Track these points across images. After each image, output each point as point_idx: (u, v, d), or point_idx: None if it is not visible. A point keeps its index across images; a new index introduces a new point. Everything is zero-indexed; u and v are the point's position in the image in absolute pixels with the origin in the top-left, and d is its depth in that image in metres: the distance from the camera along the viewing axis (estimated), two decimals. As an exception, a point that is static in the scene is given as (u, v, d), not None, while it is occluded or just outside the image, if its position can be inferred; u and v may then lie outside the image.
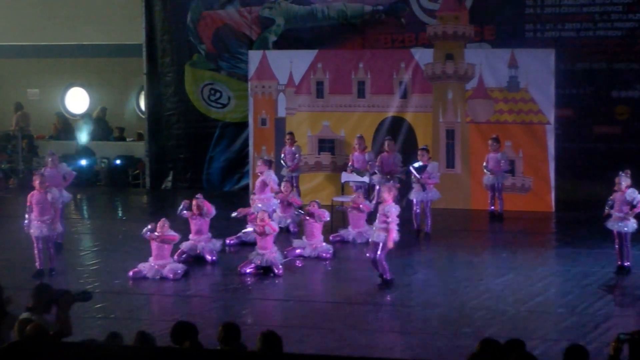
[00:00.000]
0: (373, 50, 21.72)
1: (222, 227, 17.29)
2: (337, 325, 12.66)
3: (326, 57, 21.55)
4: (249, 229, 16.69)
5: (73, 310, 8.19)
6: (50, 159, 16.97)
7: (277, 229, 15.72)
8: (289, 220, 17.96)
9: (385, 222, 14.11)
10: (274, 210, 17.67)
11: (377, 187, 18.00)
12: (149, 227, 15.18)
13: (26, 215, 15.25)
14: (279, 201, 17.83)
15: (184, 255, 15.96)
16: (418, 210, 17.94)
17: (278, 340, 7.97)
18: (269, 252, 15.25)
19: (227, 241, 17.06)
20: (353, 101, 21.31)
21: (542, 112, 20.12)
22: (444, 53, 20.74)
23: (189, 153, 23.61)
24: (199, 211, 16.17)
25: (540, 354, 8.30)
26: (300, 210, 17.14)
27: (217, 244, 16.36)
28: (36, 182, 15.25)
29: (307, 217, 16.45)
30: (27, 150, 25.17)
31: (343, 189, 19.89)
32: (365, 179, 19.06)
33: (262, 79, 21.85)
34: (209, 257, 16.11)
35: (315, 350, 11.55)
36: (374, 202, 16.90)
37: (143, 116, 24.56)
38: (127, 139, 25.49)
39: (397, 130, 20.76)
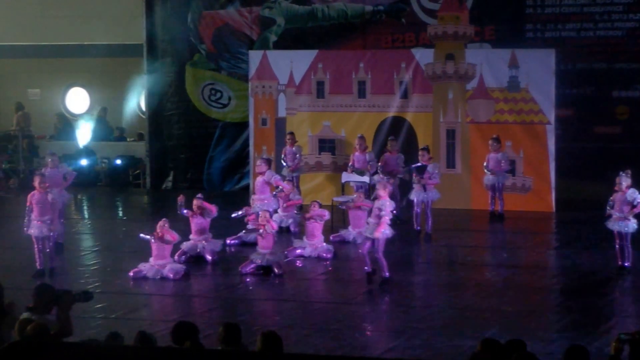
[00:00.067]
0: (374, 50, 21.73)
1: (222, 227, 17.30)
2: (337, 326, 12.66)
3: (327, 57, 21.56)
4: (250, 228, 16.69)
5: (74, 310, 8.20)
6: (50, 159, 16.97)
7: (277, 228, 15.78)
8: (290, 220, 17.98)
9: (379, 215, 14.18)
10: (275, 210, 17.70)
11: (377, 186, 18.03)
12: (148, 236, 15.22)
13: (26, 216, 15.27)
14: (281, 199, 17.87)
15: (184, 255, 15.97)
16: (419, 211, 17.94)
17: (278, 341, 7.97)
18: (270, 252, 15.26)
19: (228, 241, 17.08)
20: (353, 101, 21.31)
21: (542, 112, 20.12)
22: (445, 53, 20.74)
23: (190, 153, 23.62)
24: (200, 211, 16.18)
25: (540, 354, 8.28)
26: (299, 212, 17.16)
27: (217, 244, 16.36)
28: (36, 182, 15.26)
29: (307, 217, 16.48)
30: (27, 150, 25.19)
31: (343, 189, 19.90)
32: (366, 178, 19.06)
33: (262, 79, 21.85)
34: (209, 257, 16.11)
35: (315, 350, 11.55)
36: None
37: (144, 116, 24.58)
38: (128, 139, 25.51)
39: (397, 130, 20.76)
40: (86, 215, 22.00)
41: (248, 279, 15.13)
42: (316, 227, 16.49)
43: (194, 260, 16.02)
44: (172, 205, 17.03)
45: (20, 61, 26.31)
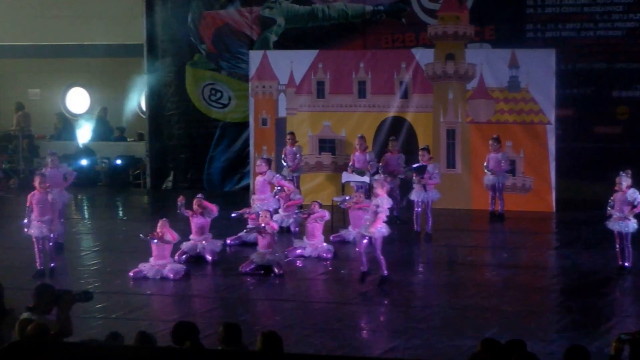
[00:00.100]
0: (374, 50, 21.72)
1: (222, 227, 17.30)
2: (337, 326, 12.66)
3: (327, 57, 21.56)
4: (250, 227, 16.69)
5: (74, 310, 8.20)
6: (50, 159, 16.96)
7: (277, 228, 15.78)
8: (290, 220, 17.99)
9: (376, 212, 14.17)
10: (276, 210, 17.71)
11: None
12: (148, 237, 15.22)
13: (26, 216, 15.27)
14: (281, 199, 17.88)
15: (184, 255, 15.97)
16: (419, 211, 17.94)
17: (278, 341, 7.97)
18: (270, 252, 15.26)
19: (228, 241, 17.08)
20: (354, 101, 21.31)
21: (542, 112, 20.12)
22: (445, 53, 20.74)
23: (190, 153, 23.62)
24: (201, 210, 16.17)
25: (540, 354, 8.28)
26: (300, 211, 17.15)
27: (217, 244, 16.36)
28: (37, 182, 15.25)
29: (307, 217, 16.48)
30: (27, 150, 25.19)
31: (344, 189, 19.89)
32: (366, 179, 19.06)
33: (262, 79, 21.85)
34: (209, 257, 16.11)
35: (315, 350, 11.55)
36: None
37: (144, 116, 24.58)
38: (128, 139, 25.51)
39: (397, 130, 20.76)
40: (86, 215, 22.00)
41: (248, 279, 15.13)
42: (316, 227, 16.49)
43: (194, 260, 16.02)
44: (172, 205, 17.02)
45: (20, 61, 26.31)
